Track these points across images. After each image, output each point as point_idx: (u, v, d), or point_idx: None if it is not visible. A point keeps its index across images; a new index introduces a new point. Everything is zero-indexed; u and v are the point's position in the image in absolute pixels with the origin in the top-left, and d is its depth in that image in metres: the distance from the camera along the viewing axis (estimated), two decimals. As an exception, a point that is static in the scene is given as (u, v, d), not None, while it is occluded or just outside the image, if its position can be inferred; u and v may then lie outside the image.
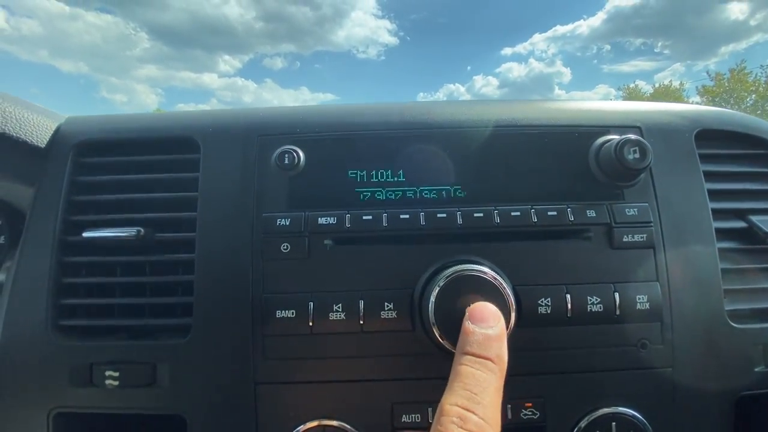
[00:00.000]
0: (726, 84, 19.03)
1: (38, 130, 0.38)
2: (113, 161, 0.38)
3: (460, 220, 0.30)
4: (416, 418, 0.29)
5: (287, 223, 0.32)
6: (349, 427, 0.30)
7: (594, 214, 0.28)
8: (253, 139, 0.35)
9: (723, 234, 0.30)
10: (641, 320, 0.27)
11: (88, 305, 0.36)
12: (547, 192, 0.29)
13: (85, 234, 0.35)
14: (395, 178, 0.33)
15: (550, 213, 0.28)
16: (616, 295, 0.27)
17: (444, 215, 0.30)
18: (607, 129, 0.29)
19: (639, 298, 0.26)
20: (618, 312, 0.26)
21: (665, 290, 0.27)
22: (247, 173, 0.34)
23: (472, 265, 0.27)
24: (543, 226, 0.27)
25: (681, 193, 0.29)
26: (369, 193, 0.32)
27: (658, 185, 0.29)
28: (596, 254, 0.28)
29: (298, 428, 0.30)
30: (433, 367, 0.29)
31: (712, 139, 0.31)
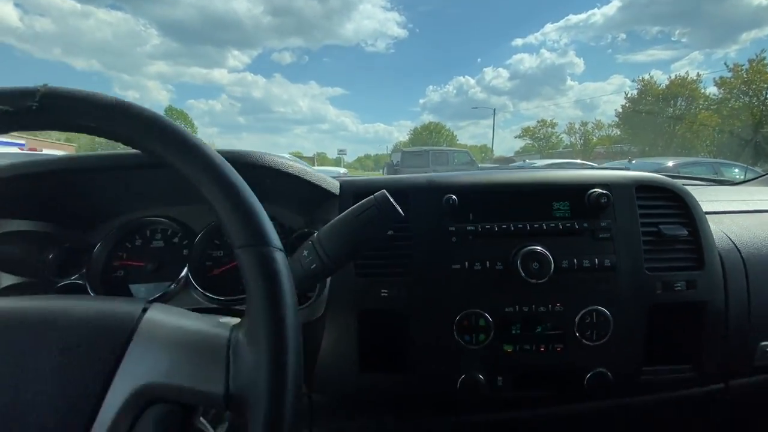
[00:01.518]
0: (744, 75, 18.79)
1: (328, 182, 0.59)
2: None
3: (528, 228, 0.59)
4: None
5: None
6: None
7: (586, 225, 0.58)
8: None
9: (645, 234, 0.60)
10: (607, 273, 0.57)
11: None
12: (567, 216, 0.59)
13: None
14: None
15: (568, 224, 0.58)
16: (596, 259, 0.57)
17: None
18: (594, 185, 0.60)
19: (606, 262, 0.57)
20: (596, 265, 0.56)
21: (618, 258, 0.57)
22: None
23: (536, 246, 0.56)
24: (565, 230, 0.57)
25: (628, 215, 0.59)
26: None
27: (617, 212, 0.60)
28: (587, 242, 0.58)
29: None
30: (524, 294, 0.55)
31: (645, 190, 0.61)
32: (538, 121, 37.02)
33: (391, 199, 0.41)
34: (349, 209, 0.42)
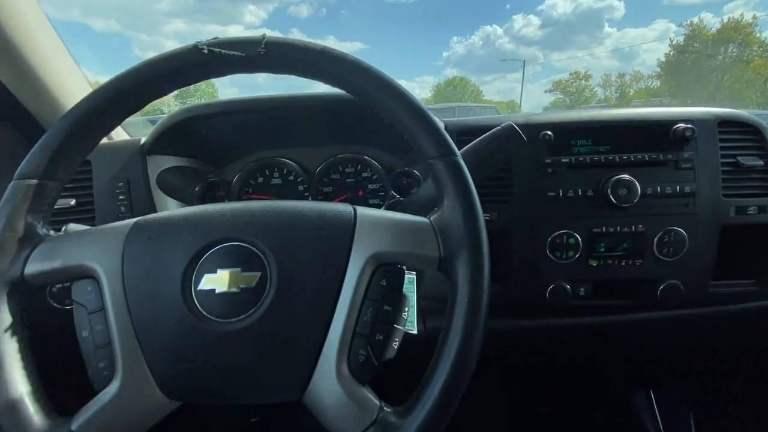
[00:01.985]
0: (809, 15, 16.87)
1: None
2: None
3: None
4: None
5: None
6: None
7: (670, 156, 0.64)
8: None
9: (723, 164, 0.65)
10: (687, 199, 0.63)
11: None
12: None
13: None
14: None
15: (654, 156, 0.63)
16: (677, 186, 0.64)
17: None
18: (679, 121, 0.66)
19: (686, 189, 0.63)
20: (677, 192, 0.62)
21: (698, 185, 0.64)
22: None
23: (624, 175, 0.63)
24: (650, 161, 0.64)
25: (709, 148, 0.65)
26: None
27: (699, 145, 0.65)
28: (670, 172, 0.65)
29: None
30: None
31: (726, 125, 0.66)
32: (570, 74, 34.97)
33: (517, 128, 0.49)
34: (478, 140, 0.50)
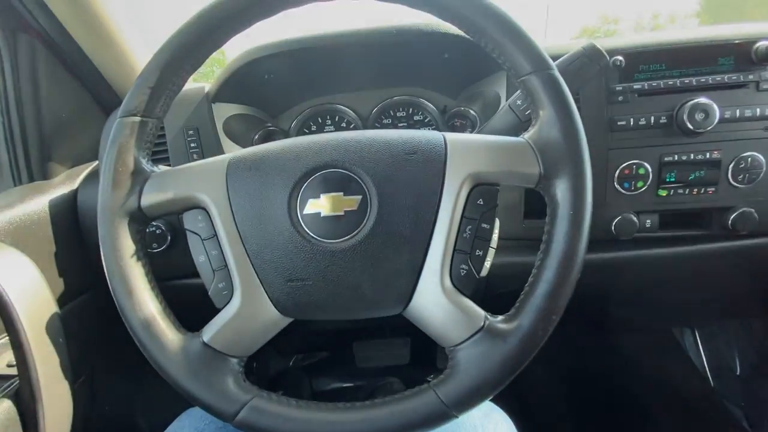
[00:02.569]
0: None
1: None
2: None
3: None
4: None
5: None
6: None
7: (751, 77, 0.61)
8: None
9: None
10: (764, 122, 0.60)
11: None
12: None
13: None
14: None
15: (734, 77, 0.59)
16: (758, 109, 0.59)
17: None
18: (760, 38, 0.61)
19: (767, 111, 0.60)
20: (758, 115, 0.57)
21: None
22: None
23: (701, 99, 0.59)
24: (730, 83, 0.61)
25: None
26: None
27: None
28: (750, 94, 0.61)
29: None
30: None
31: None
32: (599, 17, 32.51)
33: (599, 46, 0.47)
34: (558, 60, 0.49)
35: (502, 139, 0.39)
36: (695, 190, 0.63)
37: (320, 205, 0.38)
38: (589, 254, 0.71)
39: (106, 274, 0.38)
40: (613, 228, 0.64)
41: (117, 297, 0.38)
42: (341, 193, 0.38)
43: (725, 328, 1.06)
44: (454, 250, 0.37)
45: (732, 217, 0.62)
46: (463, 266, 0.37)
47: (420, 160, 0.38)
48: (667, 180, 0.63)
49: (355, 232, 0.37)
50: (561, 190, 0.36)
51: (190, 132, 0.65)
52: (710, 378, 1.08)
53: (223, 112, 0.68)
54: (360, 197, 0.38)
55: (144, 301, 0.38)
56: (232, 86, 0.67)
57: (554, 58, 0.48)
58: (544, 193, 0.37)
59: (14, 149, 0.63)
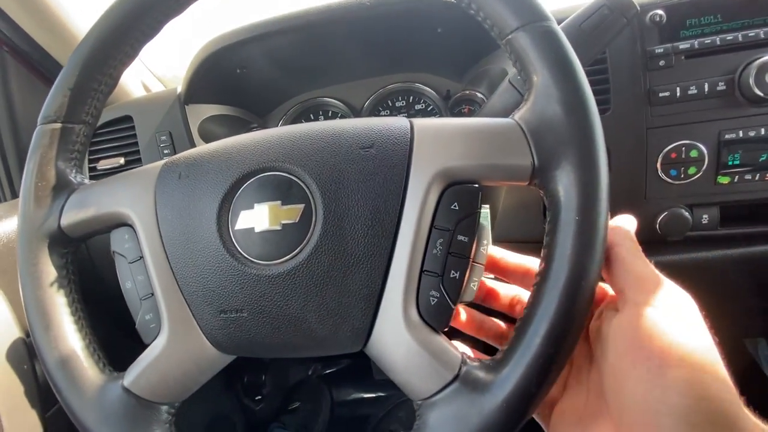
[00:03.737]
0: None
1: None
2: None
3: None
4: None
5: None
6: None
7: None
8: None
9: None
10: None
11: None
12: None
13: None
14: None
15: None
16: None
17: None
18: None
19: None
20: None
21: None
22: None
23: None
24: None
25: None
26: None
27: None
28: None
29: None
30: None
31: None
32: None
33: None
34: (573, 15, 0.38)
35: (484, 121, 0.29)
36: (767, 174, 0.49)
37: (254, 217, 0.30)
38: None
39: (23, 305, 0.33)
40: (658, 227, 0.52)
41: (33, 331, 0.32)
42: (278, 202, 0.30)
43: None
44: (421, 271, 0.28)
45: (822, 208, 0.48)
46: (434, 293, 0.28)
47: (377, 156, 0.29)
48: (730, 163, 0.49)
49: (296, 251, 0.29)
50: (563, 185, 0.26)
51: (163, 138, 0.60)
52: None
53: (200, 113, 0.63)
54: (302, 206, 0.30)
55: (62, 337, 0.32)
56: (204, 85, 0.61)
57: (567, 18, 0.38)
58: (542, 190, 0.28)
59: (-7, 166, 0.62)
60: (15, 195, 0.64)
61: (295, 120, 0.72)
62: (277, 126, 0.70)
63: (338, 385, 1.21)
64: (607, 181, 0.25)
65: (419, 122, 0.31)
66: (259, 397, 1.12)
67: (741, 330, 0.91)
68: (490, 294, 0.35)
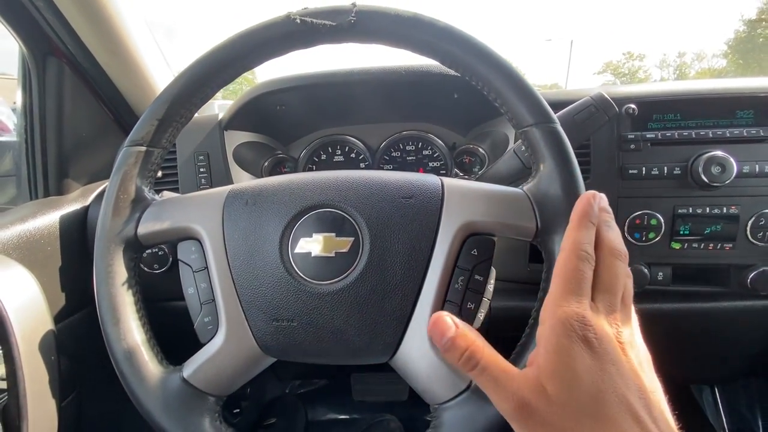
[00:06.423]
0: None
1: None
2: None
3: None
4: None
5: None
6: None
7: None
8: None
9: None
10: None
11: None
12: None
13: None
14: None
15: (753, 131, 0.57)
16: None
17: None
18: None
19: None
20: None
21: None
22: None
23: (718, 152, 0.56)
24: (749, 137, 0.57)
25: None
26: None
27: None
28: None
29: None
30: None
31: None
32: (623, 54, 32.63)
33: (608, 96, 0.47)
34: (566, 109, 0.48)
35: (501, 189, 0.38)
36: (711, 244, 0.60)
37: (312, 244, 0.37)
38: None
39: (96, 300, 0.38)
40: None
41: (104, 324, 0.38)
42: (333, 234, 0.37)
43: (747, 387, 0.99)
44: (445, 300, 0.36)
45: (751, 276, 0.59)
46: None
47: (416, 205, 0.37)
48: (681, 233, 0.60)
49: (345, 274, 0.36)
50: (559, 245, 0.34)
51: (201, 157, 0.66)
52: (730, 440, 1.00)
53: (235, 139, 0.70)
54: (352, 239, 0.37)
55: (129, 331, 0.38)
56: (245, 115, 0.69)
57: (567, 104, 0.49)
58: (542, 248, 0.36)
59: (33, 164, 0.66)
60: (48, 193, 0.68)
61: (316, 151, 0.80)
62: (299, 154, 0.78)
63: (314, 405, 1.23)
64: None
65: (448, 182, 0.39)
66: (237, 410, 1.13)
67: (689, 377, 1.01)
68: None
